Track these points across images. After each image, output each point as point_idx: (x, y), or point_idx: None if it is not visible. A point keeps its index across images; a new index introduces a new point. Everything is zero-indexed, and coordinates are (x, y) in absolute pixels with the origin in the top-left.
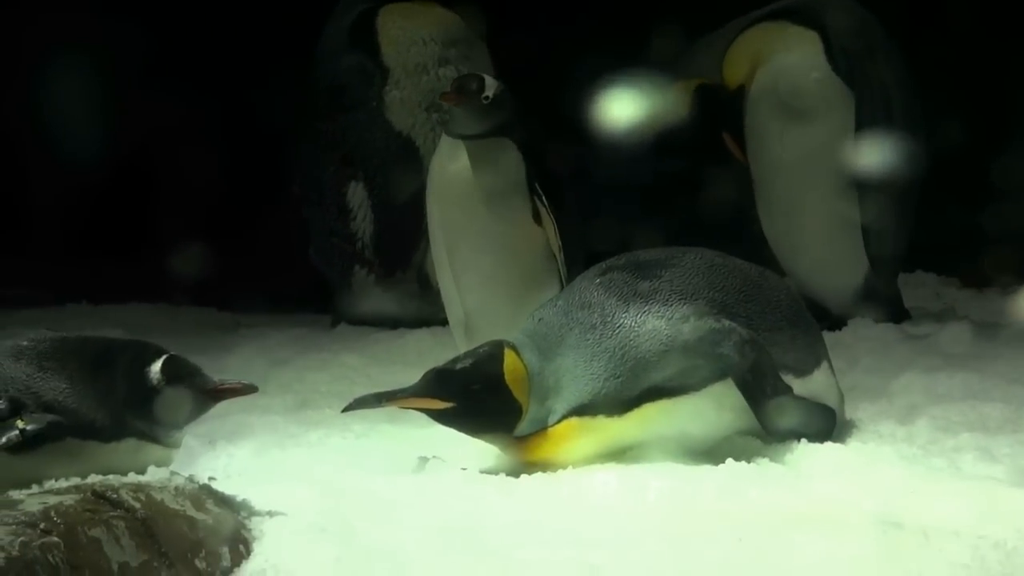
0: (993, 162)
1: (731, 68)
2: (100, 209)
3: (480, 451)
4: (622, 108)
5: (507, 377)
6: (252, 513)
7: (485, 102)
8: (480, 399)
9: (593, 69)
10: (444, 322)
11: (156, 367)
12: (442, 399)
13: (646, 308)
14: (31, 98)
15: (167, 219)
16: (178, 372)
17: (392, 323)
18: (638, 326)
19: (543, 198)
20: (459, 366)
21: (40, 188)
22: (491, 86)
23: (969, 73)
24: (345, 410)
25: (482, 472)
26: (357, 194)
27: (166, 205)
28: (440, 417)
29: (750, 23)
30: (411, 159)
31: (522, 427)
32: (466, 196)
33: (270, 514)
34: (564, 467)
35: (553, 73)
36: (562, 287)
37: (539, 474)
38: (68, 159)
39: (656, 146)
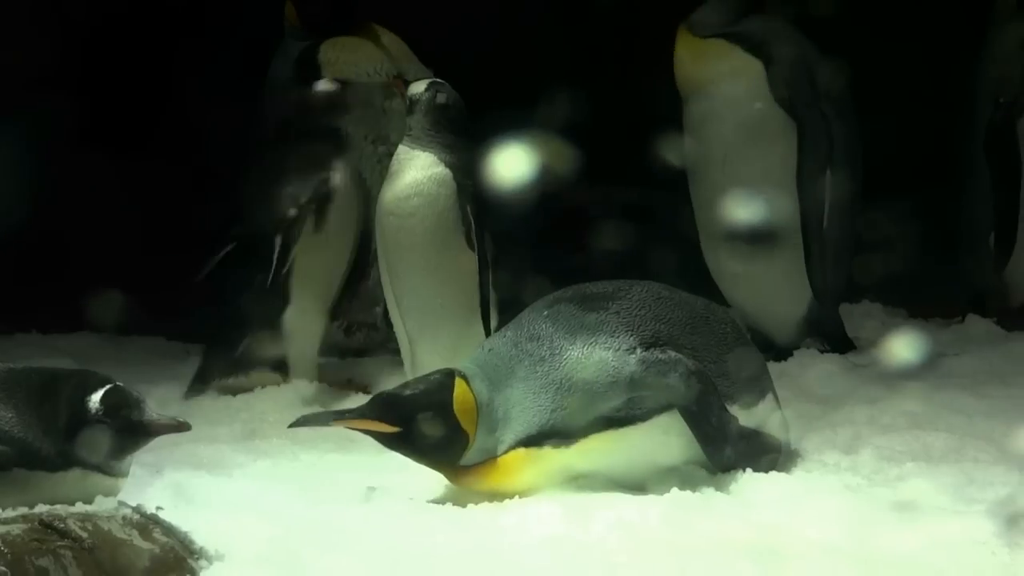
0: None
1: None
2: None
3: (428, 480)
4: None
5: (456, 406)
6: (200, 543)
7: (411, 101)
8: (427, 426)
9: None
10: (393, 350)
11: (96, 397)
12: (389, 423)
13: (593, 340)
14: None
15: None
16: (116, 403)
17: (340, 352)
18: (585, 357)
19: (474, 223)
20: (408, 392)
21: None
22: (416, 91)
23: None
24: (292, 426)
25: (430, 501)
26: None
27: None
28: (386, 441)
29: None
30: (359, 190)
31: (469, 456)
32: (404, 220)
33: (218, 544)
34: (511, 496)
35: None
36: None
37: (486, 503)
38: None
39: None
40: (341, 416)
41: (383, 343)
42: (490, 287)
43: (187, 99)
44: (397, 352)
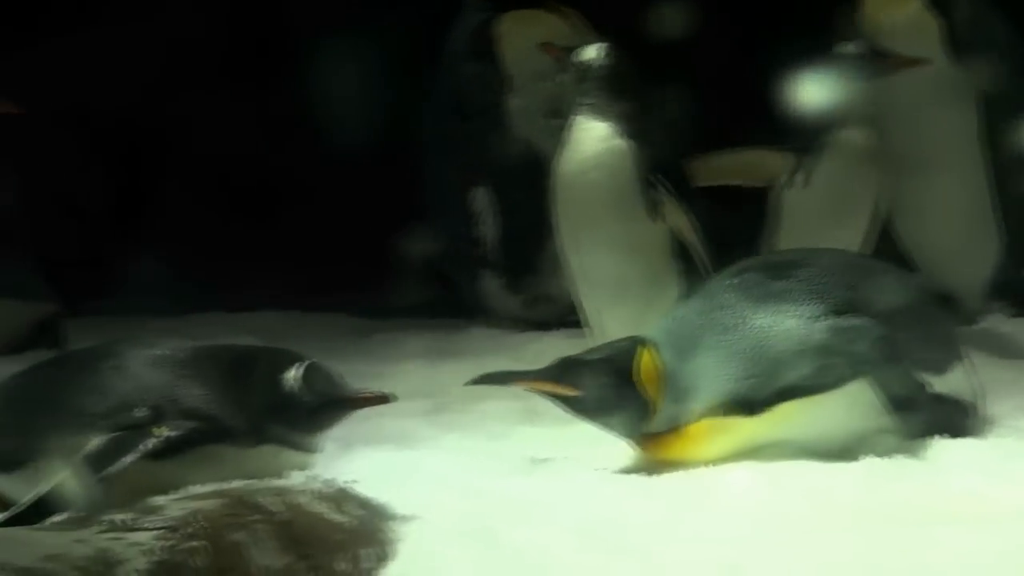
0: None
1: None
2: (231, 216)
3: (616, 452)
4: None
5: (641, 373)
6: (392, 516)
7: (580, 69)
8: (607, 391)
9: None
10: (574, 324)
11: (294, 374)
12: (571, 386)
13: (781, 308)
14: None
15: (297, 226)
16: (316, 379)
17: (522, 326)
18: (773, 326)
19: (667, 190)
20: (592, 356)
21: (172, 195)
22: (588, 56)
23: None
24: (470, 383)
25: (619, 472)
26: (481, 200)
27: (294, 214)
28: (569, 405)
29: None
30: (533, 164)
31: (654, 424)
32: (583, 194)
33: (410, 517)
34: (698, 466)
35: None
36: (704, 275)
37: (675, 473)
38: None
39: None
40: (522, 376)
41: (563, 316)
42: (701, 252)
43: (362, 71)
44: (577, 325)
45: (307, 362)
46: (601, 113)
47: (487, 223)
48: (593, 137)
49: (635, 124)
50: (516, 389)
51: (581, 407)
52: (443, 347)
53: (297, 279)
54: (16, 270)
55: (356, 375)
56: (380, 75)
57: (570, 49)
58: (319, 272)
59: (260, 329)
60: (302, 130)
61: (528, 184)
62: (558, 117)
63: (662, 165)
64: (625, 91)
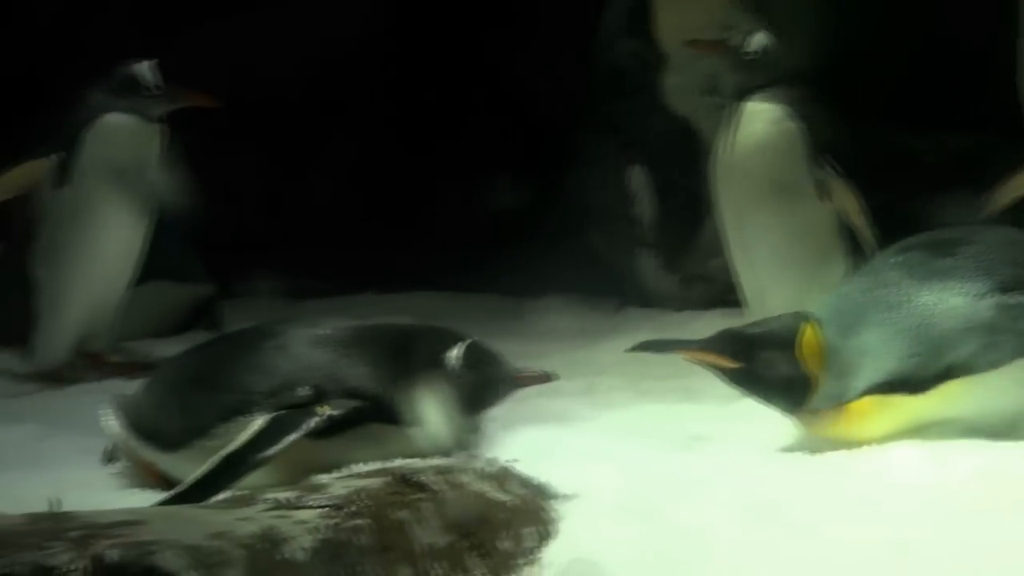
0: None
1: None
2: (383, 198)
3: (777, 429)
4: None
5: (803, 349)
6: (553, 495)
7: (746, 58)
8: (770, 365)
9: None
10: (731, 303)
11: (456, 353)
12: (732, 358)
13: (946, 286)
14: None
15: (448, 207)
16: (477, 358)
17: (678, 305)
18: (938, 304)
19: (835, 171)
20: (755, 329)
21: (326, 178)
22: (756, 43)
23: None
24: (630, 350)
25: (780, 449)
26: (638, 178)
27: (445, 195)
28: (730, 378)
29: None
30: (691, 142)
31: (817, 400)
32: (747, 170)
33: (571, 495)
34: (862, 443)
35: None
36: (869, 254)
37: (837, 450)
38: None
39: None
40: (683, 345)
41: (719, 296)
42: (868, 232)
43: (515, 51)
44: (734, 304)
45: (468, 341)
46: (769, 96)
47: (644, 202)
48: (763, 119)
49: (803, 106)
50: (675, 367)
51: (743, 380)
52: (598, 327)
53: (449, 260)
54: (176, 253)
55: (512, 355)
56: (542, 58)
57: (721, 39)
58: (471, 252)
59: (413, 309)
60: (456, 113)
61: (685, 162)
62: (716, 95)
63: (830, 146)
64: (790, 74)
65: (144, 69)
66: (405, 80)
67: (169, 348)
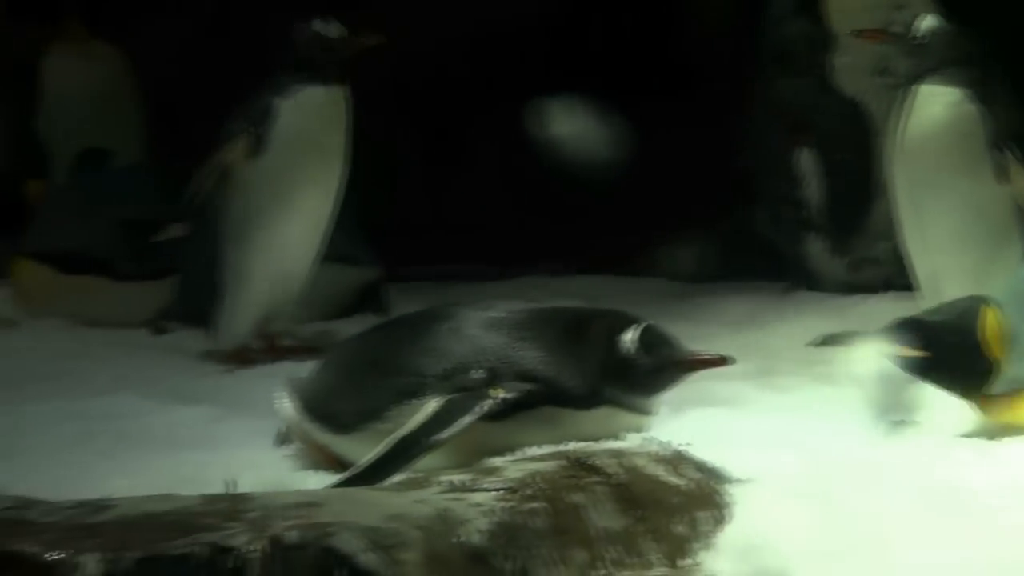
0: None
1: None
2: (547, 182)
3: (953, 414)
4: None
5: (986, 333)
6: (728, 478)
7: (914, 42)
8: (952, 352)
9: None
10: (899, 287)
11: (631, 336)
12: (913, 347)
13: None
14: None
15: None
16: (654, 341)
17: (847, 288)
18: None
19: (1015, 155)
20: (934, 317)
21: (488, 162)
22: (925, 27)
23: None
24: (812, 344)
25: (960, 435)
26: (807, 161)
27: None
28: (909, 366)
29: None
30: (861, 124)
31: (998, 386)
32: (926, 153)
33: (745, 480)
34: None
35: None
36: None
37: (1018, 436)
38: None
39: None
40: (864, 337)
41: (888, 279)
42: None
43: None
44: (903, 288)
45: (644, 324)
46: (945, 78)
47: (812, 185)
48: (940, 102)
49: (981, 88)
50: (849, 352)
51: (924, 368)
52: (766, 310)
53: (613, 244)
54: (346, 237)
55: (681, 338)
56: (707, 37)
57: (887, 27)
58: (635, 236)
59: (578, 293)
60: (617, 95)
61: (856, 145)
62: (887, 76)
63: (1009, 129)
64: (968, 57)
65: (325, 26)
66: (570, 61)
67: (337, 331)
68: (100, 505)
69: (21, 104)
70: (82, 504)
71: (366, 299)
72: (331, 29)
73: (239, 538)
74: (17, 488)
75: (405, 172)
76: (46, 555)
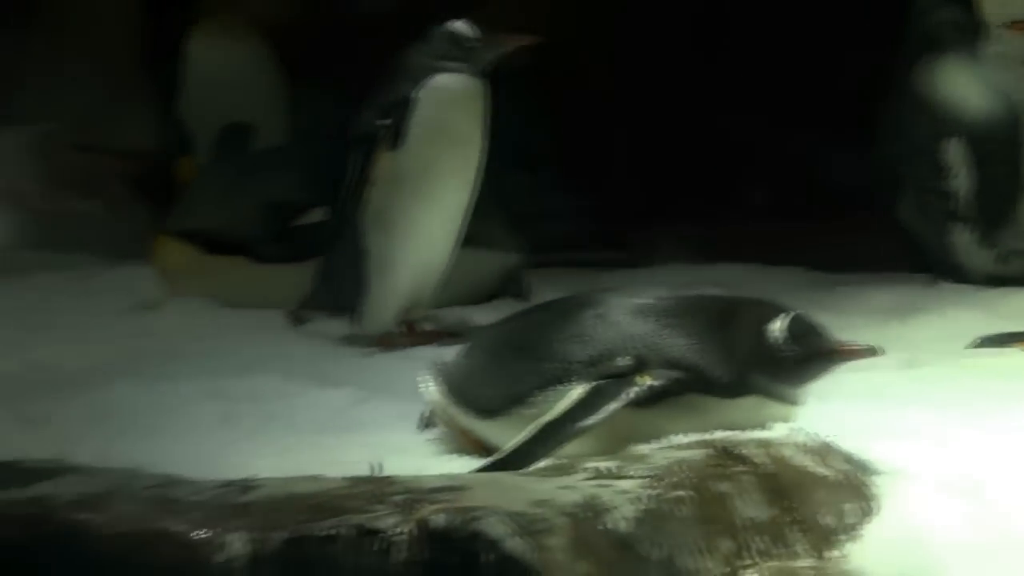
0: None
1: None
2: (686, 170)
3: None
4: None
5: None
6: (875, 470)
7: None
8: None
9: None
10: None
11: (780, 325)
12: None
13: None
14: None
15: (753, 180)
16: (802, 330)
17: (994, 281)
18: None
19: None
20: None
21: (627, 149)
22: None
23: None
24: (971, 346)
25: None
26: (955, 151)
27: (750, 168)
28: None
29: None
30: (1011, 114)
31: None
32: None
33: (893, 472)
34: None
35: None
36: None
37: None
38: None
39: None
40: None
41: None
42: None
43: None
44: None
45: (793, 313)
46: None
47: (960, 175)
48: None
49: None
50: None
51: None
52: (912, 302)
53: (755, 232)
54: (489, 222)
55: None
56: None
57: None
58: (777, 225)
59: (721, 281)
60: (763, 84)
61: (1005, 135)
62: None
63: None
64: None
65: (460, 25)
66: (713, 51)
67: (478, 316)
68: (246, 485)
69: (169, 86)
70: (228, 484)
71: (507, 285)
72: (467, 29)
73: (386, 521)
74: (163, 467)
75: (544, 157)
76: (193, 533)
